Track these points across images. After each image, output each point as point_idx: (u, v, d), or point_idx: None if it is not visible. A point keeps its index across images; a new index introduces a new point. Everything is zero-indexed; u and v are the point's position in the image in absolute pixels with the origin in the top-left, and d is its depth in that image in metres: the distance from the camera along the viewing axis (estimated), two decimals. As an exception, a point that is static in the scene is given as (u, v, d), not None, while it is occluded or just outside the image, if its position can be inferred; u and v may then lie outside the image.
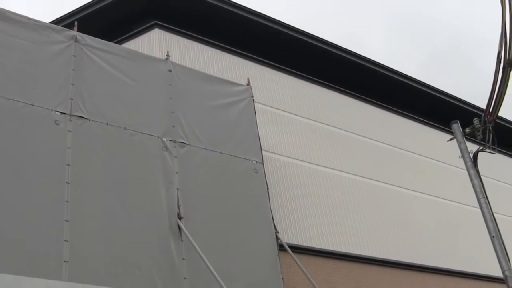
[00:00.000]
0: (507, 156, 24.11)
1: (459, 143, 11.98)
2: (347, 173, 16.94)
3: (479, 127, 11.65)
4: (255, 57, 16.70)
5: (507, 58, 11.00)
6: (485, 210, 11.17)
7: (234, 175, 12.83)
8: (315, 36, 18.21)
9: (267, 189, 13.26)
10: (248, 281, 11.65)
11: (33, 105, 10.45)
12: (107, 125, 11.31)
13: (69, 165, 10.36)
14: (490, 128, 11.52)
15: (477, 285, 17.91)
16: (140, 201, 11.06)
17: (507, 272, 10.44)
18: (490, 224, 11.02)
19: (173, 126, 12.34)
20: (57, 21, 15.10)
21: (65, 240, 9.63)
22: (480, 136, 11.62)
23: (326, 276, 14.06)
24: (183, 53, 14.92)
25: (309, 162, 16.04)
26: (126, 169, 11.23)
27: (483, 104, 11.70)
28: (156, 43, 14.69)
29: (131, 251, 10.40)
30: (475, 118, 11.82)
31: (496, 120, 11.62)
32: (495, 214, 11.21)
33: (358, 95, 19.27)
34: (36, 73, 10.91)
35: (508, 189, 22.68)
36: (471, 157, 11.70)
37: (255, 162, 13.33)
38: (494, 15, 11.48)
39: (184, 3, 15.61)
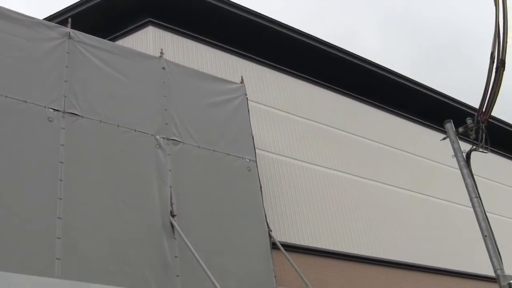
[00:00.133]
0: (500, 155, 24.18)
1: (452, 143, 11.99)
2: (341, 172, 16.96)
3: (472, 127, 11.66)
4: (249, 55, 16.70)
5: (500, 58, 11.03)
6: (478, 209, 11.19)
7: (227, 173, 12.83)
8: (310, 35, 18.20)
9: (260, 187, 13.27)
10: (240, 279, 11.66)
11: (26, 102, 10.42)
12: (101, 122, 11.30)
13: (62, 162, 10.34)
14: (483, 128, 11.53)
15: (470, 284, 17.96)
16: (133, 198, 11.04)
17: (499, 271, 10.46)
18: (483, 224, 11.04)
19: (166, 123, 12.32)
20: (50, 18, 15.04)
21: (57, 238, 9.61)
22: (473, 136, 11.64)
23: (319, 274, 14.08)
24: (177, 50, 14.90)
25: (302, 161, 16.05)
26: (119, 166, 11.21)
27: (477, 103, 11.73)
28: (150, 40, 14.67)
29: (124, 248, 10.39)
30: (468, 118, 11.83)
31: (489, 119, 11.63)
32: (487, 214, 11.22)
33: (352, 94, 19.29)
34: (29, 70, 10.88)
35: (501, 188, 22.75)
36: (464, 157, 11.72)
37: (248, 160, 13.33)
38: (488, 14, 11.51)
39: (179, 1, 15.58)
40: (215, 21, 16.25)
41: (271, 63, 17.21)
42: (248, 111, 14.10)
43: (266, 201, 13.42)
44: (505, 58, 11.01)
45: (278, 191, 14.76)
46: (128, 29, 15.22)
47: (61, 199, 9.98)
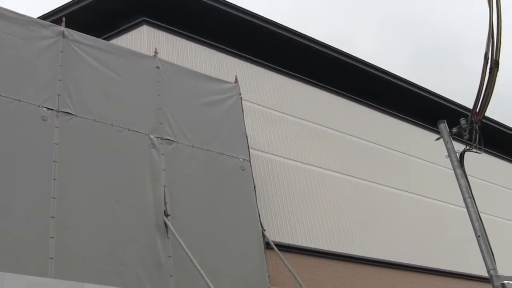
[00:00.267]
0: (493, 156, 24.23)
1: (446, 143, 12.00)
2: (335, 171, 16.97)
3: (466, 127, 11.67)
4: (243, 55, 16.70)
5: (494, 58, 11.05)
6: (471, 209, 11.20)
7: (221, 172, 12.82)
8: (305, 35, 18.21)
9: (254, 187, 13.27)
10: (234, 279, 11.66)
11: (20, 101, 10.40)
12: (94, 121, 11.28)
13: (56, 162, 10.33)
14: (477, 128, 11.55)
15: (464, 284, 18.00)
16: (127, 198, 11.03)
17: (492, 271, 10.47)
18: (476, 224, 11.05)
19: (160, 123, 12.32)
20: (45, 17, 15.01)
21: (51, 237, 9.60)
22: (466, 136, 11.64)
23: (312, 274, 14.09)
24: (171, 50, 14.89)
25: (296, 161, 16.06)
26: (113, 165, 11.20)
27: (470, 104, 11.74)
28: (144, 39, 14.65)
29: (117, 248, 10.38)
30: (462, 118, 11.85)
31: (483, 120, 11.65)
32: (481, 214, 11.24)
33: (347, 94, 19.30)
34: (23, 69, 10.86)
35: (494, 189, 22.80)
36: (458, 157, 11.73)
37: (242, 160, 13.33)
38: (483, 15, 11.53)
39: (173, 0, 15.56)
40: (209, 20, 16.24)
41: (266, 63, 17.21)
42: (242, 110, 14.11)
43: (260, 201, 13.42)
44: (499, 59, 11.03)
45: (272, 191, 14.76)
46: (123, 28, 15.20)
47: (54, 198, 9.96)
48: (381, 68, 20.26)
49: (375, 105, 20.18)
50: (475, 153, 11.79)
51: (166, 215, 11.25)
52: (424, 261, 17.42)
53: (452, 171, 11.84)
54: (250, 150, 13.80)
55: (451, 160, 11.83)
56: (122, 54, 12.74)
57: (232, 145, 13.35)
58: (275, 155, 15.57)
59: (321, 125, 17.62)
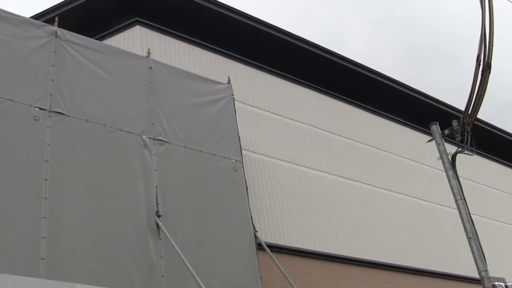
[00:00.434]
0: (485, 158, 24.30)
1: (437, 145, 12.04)
2: (327, 173, 16.99)
3: (458, 129, 11.71)
4: (236, 56, 16.71)
5: (486, 61, 11.09)
6: (463, 211, 11.24)
7: (213, 173, 12.81)
8: (297, 36, 18.22)
9: (246, 188, 13.27)
10: (226, 280, 11.65)
11: (12, 101, 10.37)
12: (87, 121, 11.26)
13: (48, 162, 10.29)
14: (469, 130, 11.59)
15: (455, 285, 18.04)
16: (119, 198, 11.01)
17: (483, 273, 10.50)
18: (467, 225, 11.09)
19: (152, 123, 12.30)
20: (37, 16, 14.98)
21: (42, 237, 9.57)
22: (458, 138, 11.68)
23: (304, 275, 14.11)
24: (164, 50, 14.88)
25: (288, 162, 16.07)
26: (105, 166, 11.17)
27: (463, 106, 11.79)
28: (137, 40, 14.64)
29: (109, 248, 10.36)
30: (454, 120, 11.89)
31: (475, 122, 11.69)
32: (472, 215, 11.28)
33: (338, 95, 19.33)
34: (15, 68, 10.82)
35: (486, 190, 22.87)
36: (450, 159, 11.77)
37: (234, 160, 13.33)
38: (475, 17, 11.57)
39: (166, 1, 15.55)
40: (202, 21, 16.23)
41: (258, 64, 17.22)
42: (235, 111, 14.10)
43: (252, 202, 13.42)
44: (491, 61, 11.08)
45: (264, 192, 14.77)
46: (116, 28, 15.18)
47: (46, 198, 9.93)
48: (373, 69, 20.31)
49: (367, 106, 20.21)
50: (467, 155, 11.83)
51: (158, 216, 11.24)
52: (416, 262, 17.46)
53: (444, 173, 11.88)
54: (243, 151, 13.81)
55: (443, 162, 11.87)
56: (115, 54, 12.71)
57: (225, 146, 13.34)
58: (267, 156, 15.58)
59: (313, 126, 17.64)
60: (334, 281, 14.93)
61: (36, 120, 10.56)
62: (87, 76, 11.81)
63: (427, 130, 12.77)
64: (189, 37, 15.71)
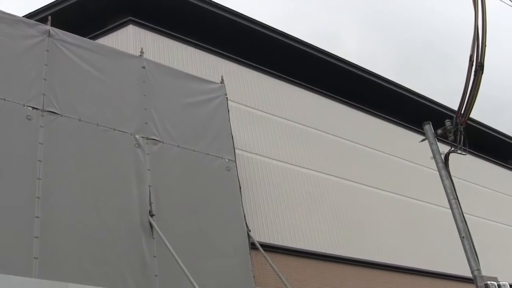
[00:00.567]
0: (478, 157, 24.35)
1: (430, 144, 12.06)
2: (320, 172, 16.99)
3: (451, 129, 11.73)
4: (230, 55, 16.70)
5: (479, 61, 11.11)
6: (456, 210, 11.27)
7: (207, 173, 12.81)
8: (290, 35, 18.25)
9: (240, 187, 13.27)
10: (219, 279, 11.64)
11: (4, 100, 10.34)
12: (80, 121, 11.24)
13: (41, 161, 10.27)
14: (462, 130, 11.61)
15: (447, 284, 18.08)
16: (112, 198, 10.99)
17: (476, 272, 10.53)
18: (460, 225, 11.12)
19: (146, 123, 12.29)
20: (30, 15, 14.97)
21: (35, 237, 9.55)
22: (451, 138, 11.70)
23: (298, 275, 14.11)
24: (157, 50, 14.87)
25: (282, 161, 16.08)
26: (98, 165, 11.16)
27: (456, 105, 11.82)
28: (131, 39, 14.62)
29: (102, 248, 10.34)
30: (447, 120, 11.91)
31: (468, 121, 11.72)
32: (465, 215, 11.30)
33: (332, 95, 19.34)
34: (8, 68, 10.79)
35: (479, 190, 22.92)
36: (443, 158, 11.79)
37: (227, 160, 13.32)
38: (469, 17, 11.59)
39: (159, 0, 15.54)
40: (196, 20, 16.24)
41: (252, 63, 17.22)
42: (228, 111, 14.09)
43: (245, 201, 13.42)
44: (483, 61, 11.10)
45: (258, 191, 14.77)
46: (109, 27, 15.16)
47: (39, 198, 9.91)
48: (366, 69, 20.35)
49: (360, 106, 20.23)
50: (460, 155, 11.85)
51: (151, 215, 11.22)
52: (409, 261, 17.48)
53: (437, 172, 11.90)
54: (236, 151, 13.81)
55: (436, 161, 11.89)
56: (108, 54, 12.69)
57: (218, 145, 13.34)
58: (260, 155, 15.58)
59: (306, 125, 17.65)
60: (328, 281, 14.94)
61: (29, 119, 10.54)
62: (80, 75, 11.79)
63: (421, 130, 12.78)
64: (182, 37, 15.70)
